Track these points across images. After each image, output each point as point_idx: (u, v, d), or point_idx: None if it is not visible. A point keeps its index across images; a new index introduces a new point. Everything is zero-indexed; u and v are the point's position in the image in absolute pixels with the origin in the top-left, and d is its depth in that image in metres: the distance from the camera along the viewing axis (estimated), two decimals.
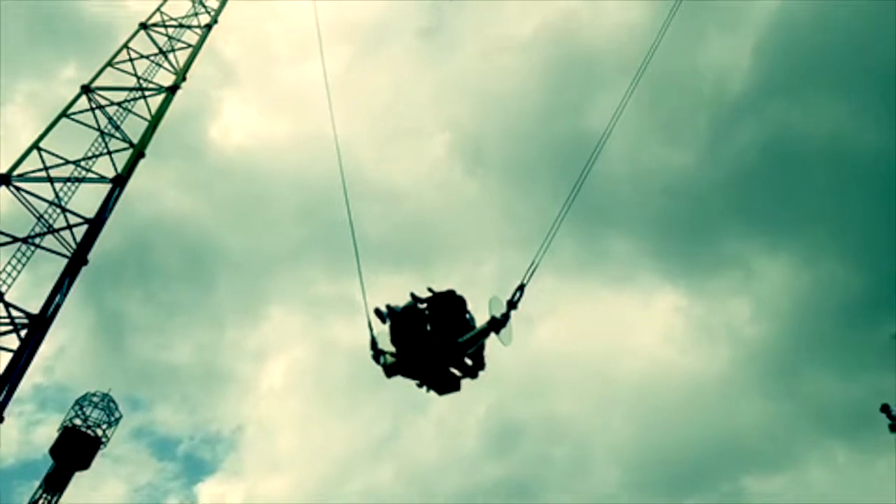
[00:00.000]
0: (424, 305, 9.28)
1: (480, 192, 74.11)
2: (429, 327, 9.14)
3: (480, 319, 9.27)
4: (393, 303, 9.51)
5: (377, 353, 9.39)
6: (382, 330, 9.59)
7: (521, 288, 9.22)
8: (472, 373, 9.15)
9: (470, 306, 9.50)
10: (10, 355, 21.28)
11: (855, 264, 64.82)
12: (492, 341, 9.13)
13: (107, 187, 24.87)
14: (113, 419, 28.19)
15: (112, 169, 25.24)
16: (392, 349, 9.32)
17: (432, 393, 9.37)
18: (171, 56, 29.55)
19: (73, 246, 23.68)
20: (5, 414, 20.63)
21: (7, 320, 21.84)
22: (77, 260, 23.54)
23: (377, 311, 9.53)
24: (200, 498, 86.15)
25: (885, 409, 18.33)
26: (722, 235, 70.88)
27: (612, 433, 71.77)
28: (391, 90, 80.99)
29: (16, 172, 23.65)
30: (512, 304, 9.08)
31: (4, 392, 21.36)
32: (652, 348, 72.84)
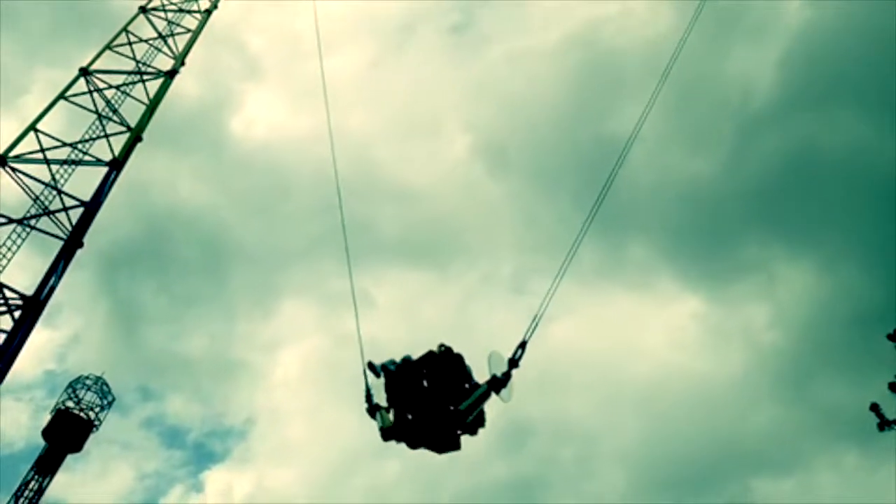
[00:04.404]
0: (420, 364, 8.98)
1: (501, 195, 74.07)
2: (425, 384, 8.85)
3: (478, 372, 8.99)
4: (387, 359, 9.21)
5: (372, 409, 9.06)
6: (378, 383, 9.24)
7: (522, 345, 8.92)
8: (472, 430, 8.94)
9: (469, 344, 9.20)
10: (2, 336, 21.34)
11: (873, 273, 65.22)
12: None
13: (103, 170, 24.86)
14: (106, 402, 28.23)
15: (109, 152, 25.25)
16: (386, 405, 9.03)
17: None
18: (170, 41, 29.49)
19: (69, 228, 23.70)
20: (2, 397, 20.69)
21: (0, 301, 21.87)
22: (72, 242, 23.53)
23: (370, 365, 9.27)
24: (207, 485, 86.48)
25: (874, 407, 18.41)
26: (743, 243, 71.16)
27: (620, 434, 71.95)
28: (415, 87, 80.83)
29: (12, 153, 23.63)
30: (513, 363, 8.84)
31: None
32: (666, 352, 72.97)
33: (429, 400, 8.74)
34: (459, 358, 9.02)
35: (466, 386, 8.89)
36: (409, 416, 8.68)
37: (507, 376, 8.77)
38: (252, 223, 75.73)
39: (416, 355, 9.13)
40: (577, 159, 70.78)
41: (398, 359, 9.18)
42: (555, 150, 72.65)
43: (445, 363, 8.93)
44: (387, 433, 8.75)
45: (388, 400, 8.96)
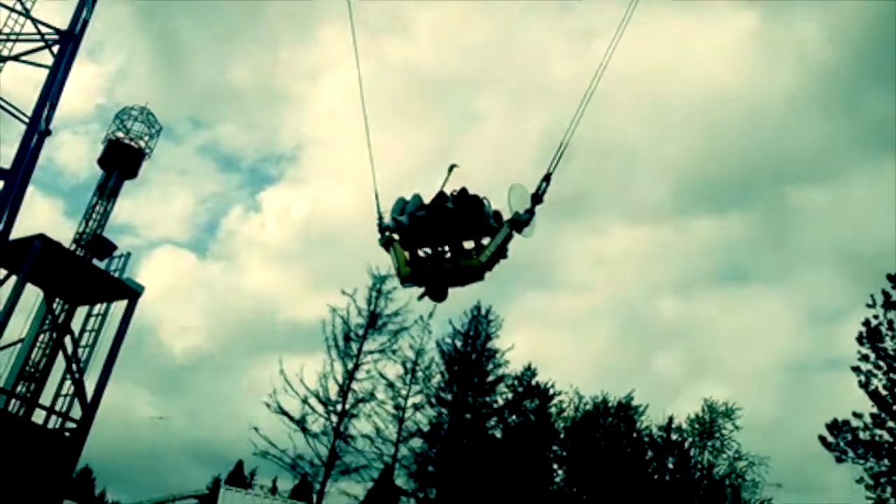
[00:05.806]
0: (433, 211, 8.30)
1: None
2: (443, 228, 8.27)
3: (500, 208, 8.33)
4: (397, 199, 8.52)
5: (387, 242, 8.43)
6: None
7: (547, 178, 8.21)
8: (491, 265, 8.25)
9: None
10: (46, 72, 22.16)
11: None
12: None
13: None
14: (154, 131, 29.40)
15: None
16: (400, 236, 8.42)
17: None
18: None
19: None
20: (60, 132, 21.95)
21: (38, 37, 22.40)
22: None
23: (380, 226, 8.49)
24: (264, 205, 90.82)
25: None
26: None
27: (664, 150, 72.72)
28: None
29: None
30: (537, 198, 8.15)
31: (48, 106, 22.55)
32: (718, 70, 71.35)
33: (445, 253, 8.28)
34: (476, 200, 8.32)
35: (486, 225, 8.27)
36: (427, 270, 8.17)
37: (530, 213, 8.15)
38: None
39: (427, 198, 8.39)
40: None
41: (408, 200, 8.45)
42: None
43: (461, 209, 8.26)
44: (406, 280, 8.29)
45: (403, 244, 8.37)
